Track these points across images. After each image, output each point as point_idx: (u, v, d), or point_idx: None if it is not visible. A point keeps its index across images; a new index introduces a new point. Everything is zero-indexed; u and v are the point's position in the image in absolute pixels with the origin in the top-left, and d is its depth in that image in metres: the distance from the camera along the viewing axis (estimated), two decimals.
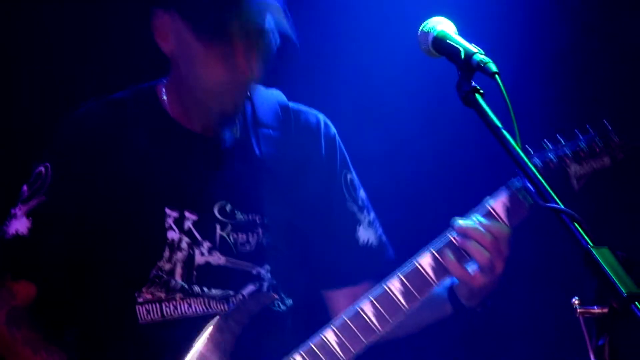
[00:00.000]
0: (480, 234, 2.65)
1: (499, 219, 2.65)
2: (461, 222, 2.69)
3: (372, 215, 2.98)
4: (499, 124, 2.27)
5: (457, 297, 2.78)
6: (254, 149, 2.87)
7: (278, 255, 2.87)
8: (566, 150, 2.75)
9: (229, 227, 2.81)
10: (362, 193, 3.01)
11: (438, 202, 4.20)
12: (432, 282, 2.68)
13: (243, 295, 2.77)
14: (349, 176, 3.01)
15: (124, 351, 2.75)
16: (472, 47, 2.34)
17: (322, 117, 3.01)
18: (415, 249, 2.79)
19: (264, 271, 2.81)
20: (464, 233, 2.65)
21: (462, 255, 2.68)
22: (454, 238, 2.67)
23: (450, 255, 2.67)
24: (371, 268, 2.97)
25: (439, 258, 2.67)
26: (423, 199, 4.33)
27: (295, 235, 2.91)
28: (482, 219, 2.69)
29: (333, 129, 3.01)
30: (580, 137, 2.79)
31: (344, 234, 2.95)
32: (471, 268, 2.68)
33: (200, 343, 2.69)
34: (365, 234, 2.97)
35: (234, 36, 2.67)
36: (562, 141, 2.80)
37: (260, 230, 2.83)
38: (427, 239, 2.79)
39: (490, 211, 2.68)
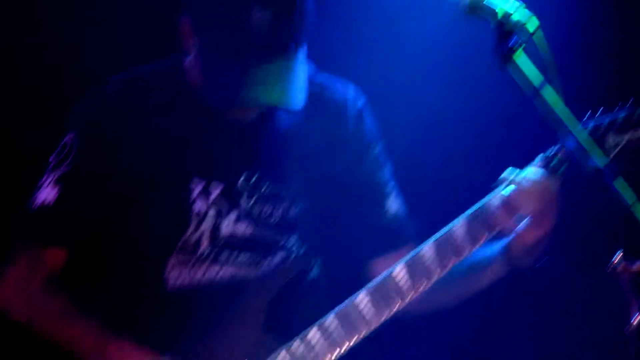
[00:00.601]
0: (530, 186, 2.63)
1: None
2: (511, 175, 2.67)
3: (397, 188, 2.98)
4: (543, 81, 2.23)
5: (509, 257, 2.76)
6: (280, 122, 2.86)
7: (307, 225, 2.85)
8: (605, 119, 2.74)
9: (255, 198, 2.81)
10: (388, 166, 3.00)
11: (469, 170, 4.18)
12: (466, 248, 2.65)
13: (273, 262, 2.75)
14: (377, 148, 3.00)
15: (153, 318, 2.76)
16: (512, 4, 2.31)
17: (350, 87, 2.99)
18: (453, 214, 2.77)
19: (292, 240, 2.80)
20: (514, 185, 2.63)
21: (511, 210, 2.65)
22: (504, 192, 2.66)
23: (500, 210, 2.65)
24: (402, 237, 2.95)
25: (484, 217, 2.65)
26: (454, 167, 4.31)
27: (325, 206, 2.90)
28: (532, 171, 2.67)
29: (362, 100, 2.99)
30: (621, 108, 2.78)
31: (374, 205, 2.96)
32: (522, 223, 2.66)
33: (231, 311, 2.67)
34: (394, 205, 2.96)
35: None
36: (602, 112, 2.79)
37: (286, 202, 2.83)
38: (463, 206, 2.77)
39: (538, 165, 2.68)
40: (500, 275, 2.83)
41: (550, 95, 2.35)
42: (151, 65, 2.93)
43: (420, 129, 4.25)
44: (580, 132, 2.29)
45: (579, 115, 2.66)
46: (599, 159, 2.23)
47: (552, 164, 2.76)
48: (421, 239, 2.84)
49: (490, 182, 2.81)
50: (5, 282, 2.81)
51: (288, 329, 2.66)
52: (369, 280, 2.88)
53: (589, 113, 2.77)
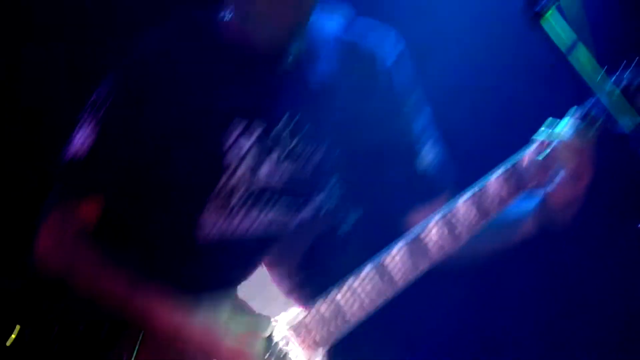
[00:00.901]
0: (567, 141, 2.65)
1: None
2: (547, 130, 2.68)
3: (435, 135, 2.99)
4: (576, 39, 2.24)
5: (542, 213, 2.77)
6: (316, 73, 2.88)
7: (340, 174, 2.88)
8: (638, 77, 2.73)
9: (294, 142, 2.83)
10: (424, 115, 3.00)
11: (505, 123, 4.19)
12: (505, 200, 2.67)
13: (307, 213, 2.78)
14: (414, 96, 3.00)
15: (184, 271, 2.79)
16: None
17: (390, 34, 2.99)
18: (488, 167, 2.79)
19: (327, 188, 2.82)
20: (550, 140, 2.64)
21: (548, 166, 2.67)
22: (538, 148, 2.67)
23: (535, 166, 2.66)
24: (437, 188, 2.97)
25: (519, 172, 2.67)
26: (490, 120, 4.31)
27: (359, 157, 2.92)
28: (568, 126, 2.68)
29: (400, 47, 2.99)
30: None
31: (409, 155, 2.95)
32: (557, 179, 2.67)
33: (265, 258, 2.71)
34: (430, 154, 2.97)
35: None
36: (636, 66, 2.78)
37: (324, 148, 2.85)
38: (499, 159, 2.78)
39: (574, 121, 2.68)
40: (532, 231, 2.83)
41: (583, 53, 2.35)
42: (191, 12, 2.94)
43: (456, 79, 4.23)
44: (612, 90, 2.28)
45: (611, 73, 2.66)
46: (630, 118, 2.23)
47: (587, 120, 2.76)
48: (457, 190, 2.84)
49: (525, 137, 2.81)
50: (42, 233, 2.83)
51: (322, 281, 2.69)
52: (403, 231, 2.89)
53: (623, 63, 2.75)
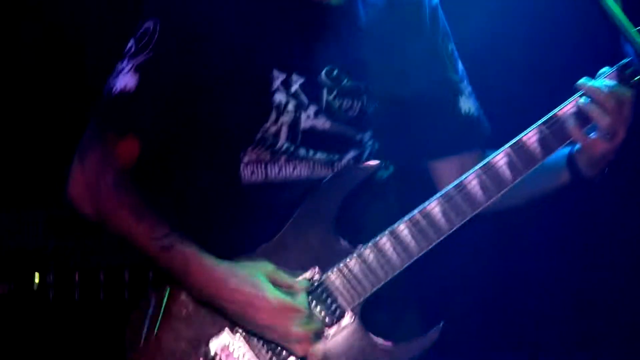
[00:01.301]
0: (604, 97, 2.60)
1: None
2: (585, 85, 2.63)
3: (470, 87, 2.95)
4: None
5: (576, 165, 2.74)
6: (360, 16, 2.83)
7: (381, 123, 2.85)
8: None
9: (335, 92, 2.80)
10: (460, 65, 2.96)
11: (541, 79, 4.14)
12: (538, 157, 2.63)
13: (347, 162, 2.76)
14: (450, 46, 2.97)
15: (226, 213, 2.77)
16: None
17: None
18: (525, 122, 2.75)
19: (367, 137, 2.80)
20: (588, 95, 2.60)
21: (585, 121, 2.63)
22: (575, 102, 2.62)
23: (573, 121, 2.62)
24: (474, 138, 2.96)
25: (557, 126, 2.63)
26: (527, 76, 4.27)
27: (399, 103, 2.89)
28: (606, 82, 2.64)
29: None
30: None
31: (446, 103, 2.93)
32: (593, 134, 2.63)
33: (302, 208, 2.69)
34: (467, 104, 2.95)
35: None
36: None
37: (364, 97, 2.82)
38: (536, 114, 2.74)
39: (612, 75, 2.63)
40: (565, 183, 2.81)
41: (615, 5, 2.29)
42: None
43: (488, 35, 4.19)
44: None
45: None
46: None
47: (625, 75, 2.71)
48: (493, 143, 2.81)
49: (562, 91, 2.77)
50: (79, 172, 2.80)
51: (359, 233, 2.66)
52: (439, 182, 2.87)
53: None
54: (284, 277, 2.51)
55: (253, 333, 2.53)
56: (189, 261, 2.53)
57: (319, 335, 2.50)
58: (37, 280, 4.20)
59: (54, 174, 2.80)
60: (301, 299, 2.48)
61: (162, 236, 2.55)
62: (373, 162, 2.71)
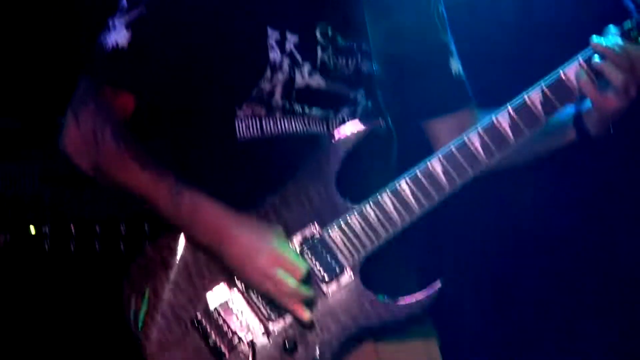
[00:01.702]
0: (616, 54, 2.58)
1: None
2: (600, 42, 2.60)
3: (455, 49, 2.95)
4: None
5: (583, 124, 2.72)
6: None
7: (374, 82, 2.83)
8: None
9: (330, 50, 2.79)
10: (448, 27, 2.96)
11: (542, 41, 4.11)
12: (541, 118, 2.62)
13: (343, 118, 2.74)
14: (440, 8, 2.96)
15: (222, 168, 2.76)
16: None
17: None
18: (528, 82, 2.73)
19: (360, 96, 2.78)
20: (600, 53, 2.57)
21: (594, 78, 2.61)
22: (586, 59, 2.60)
23: (582, 78, 2.60)
24: (465, 97, 2.94)
25: (565, 84, 2.61)
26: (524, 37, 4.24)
27: (392, 63, 2.87)
28: (618, 40, 2.61)
29: None
30: None
31: (438, 63, 2.92)
32: (603, 91, 2.61)
33: (303, 167, 2.67)
34: (455, 65, 2.94)
35: None
36: None
37: (358, 56, 2.80)
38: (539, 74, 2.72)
39: (625, 33, 2.61)
40: (570, 142, 2.80)
41: None
42: None
43: None
44: None
45: None
46: None
47: (631, 36, 2.69)
48: (488, 104, 2.80)
49: (563, 51, 2.75)
50: (74, 127, 2.78)
51: (360, 189, 2.65)
52: (434, 142, 2.86)
53: None
54: (287, 240, 2.51)
55: (249, 287, 2.53)
56: (198, 206, 2.53)
57: (309, 302, 2.49)
58: (33, 232, 4.19)
59: (50, 125, 2.80)
60: (306, 264, 2.48)
61: (169, 183, 2.55)
62: (374, 119, 2.70)
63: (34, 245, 4.17)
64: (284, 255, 2.45)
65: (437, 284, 2.57)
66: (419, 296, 2.54)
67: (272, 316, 2.50)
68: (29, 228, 4.19)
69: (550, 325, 4.34)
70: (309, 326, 2.50)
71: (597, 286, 4.34)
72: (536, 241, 4.38)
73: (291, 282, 2.46)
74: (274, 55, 2.66)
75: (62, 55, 4.24)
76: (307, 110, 2.69)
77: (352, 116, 2.73)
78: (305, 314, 2.47)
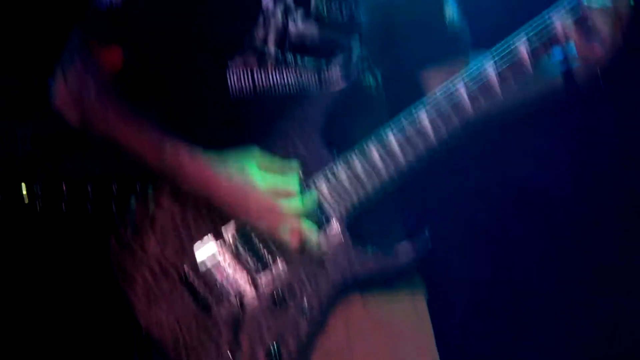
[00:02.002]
0: (603, 2, 2.57)
1: None
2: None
3: None
4: None
5: (569, 72, 2.72)
6: None
7: (369, 29, 2.81)
8: None
9: (323, 3, 2.75)
10: None
11: None
12: (528, 68, 2.61)
13: (335, 68, 2.73)
14: None
15: (212, 121, 2.75)
16: None
17: None
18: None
19: (354, 43, 2.76)
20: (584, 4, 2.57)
21: (581, 25, 2.60)
22: (573, 6, 2.60)
23: (570, 23, 2.59)
24: (460, 46, 2.91)
25: (546, 34, 2.60)
26: None
27: (383, 10, 2.84)
28: None
29: None
30: None
31: (431, 10, 2.88)
32: (590, 39, 2.61)
33: (290, 116, 2.66)
34: (451, 12, 2.91)
35: None
36: None
37: (352, 3, 2.77)
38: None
39: None
40: (557, 90, 2.79)
41: None
42: None
43: None
44: None
45: None
46: None
47: None
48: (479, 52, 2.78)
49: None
50: (61, 83, 2.78)
51: (347, 140, 2.64)
52: (426, 91, 2.84)
53: None
54: (269, 160, 2.50)
55: (243, 232, 2.53)
56: (181, 157, 2.53)
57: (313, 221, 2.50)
58: (24, 191, 4.19)
59: (43, 84, 2.79)
60: (292, 180, 2.48)
61: (152, 136, 2.55)
62: (361, 68, 2.69)
63: (25, 204, 4.17)
64: (273, 186, 2.46)
65: (425, 236, 2.57)
66: (405, 248, 2.55)
67: (260, 269, 2.51)
68: (20, 187, 4.19)
69: (543, 279, 4.35)
70: (296, 278, 2.51)
71: (592, 241, 4.35)
72: (529, 193, 4.37)
73: (294, 203, 2.47)
74: (267, 1, 2.65)
75: (59, 13, 4.22)
76: (299, 60, 2.67)
77: (346, 65, 2.72)
78: (313, 236, 2.49)
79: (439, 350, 2.74)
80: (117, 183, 4.12)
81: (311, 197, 2.50)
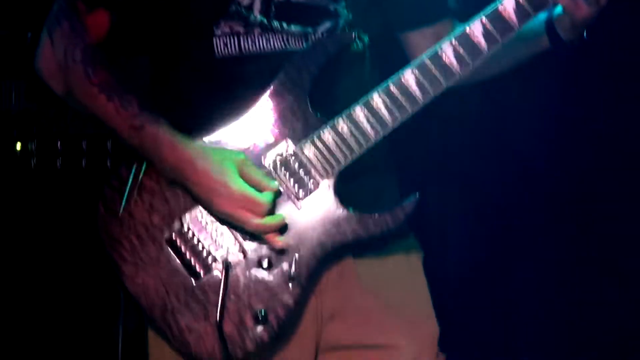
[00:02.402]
0: None
1: None
2: None
3: None
4: None
5: (555, 31, 2.68)
6: None
7: None
8: None
9: None
10: None
11: None
12: (515, 26, 2.57)
13: (321, 34, 2.69)
14: None
15: (199, 89, 2.72)
16: None
17: None
18: None
19: (341, 7, 2.72)
20: None
21: None
22: None
23: None
24: (445, 7, 2.87)
25: None
26: None
27: None
28: None
29: None
30: None
31: None
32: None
33: (276, 81, 2.63)
34: None
35: None
36: None
37: None
38: None
39: None
40: (543, 49, 2.76)
41: None
42: None
43: None
44: None
45: None
46: None
47: None
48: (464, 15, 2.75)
49: None
50: (47, 47, 2.74)
51: (333, 105, 2.61)
52: (413, 55, 2.81)
53: None
54: (253, 171, 2.47)
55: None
56: (159, 140, 2.50)
57: (282, 229, 2.48)
58: (18, 148, 4.18)
59: (35, 38, 2.77)
60: (266, 196, 2.45)
61: (132, 115, 2.52)
62: (347, 33, 2.65)
63: (20, 161, 4.16)
64: (243, 194, 2.43)
65: (415, 198, 2.55)
66: (394, 211, 2.53)
67: (247, 235, 2.49)
68: (15, 144, 4.18)
69: (538, 240, 4.35)
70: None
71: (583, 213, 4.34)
72: (522, 155, 4.35)
73: (255, 221, 2.45)
74: None
75: None
76: (285, 26, 2.64)
77: (333, 30, 2.69)
78: (277, 243, 2.46)
79: (435, 310, 2.75)
80: (112, 140, 4.11)
81: (275, 220, 2.47)
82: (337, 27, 2.68)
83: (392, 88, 2.54)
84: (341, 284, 2.61)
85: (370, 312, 2.62)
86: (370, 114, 2.54)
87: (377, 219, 2.54)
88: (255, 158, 2.52)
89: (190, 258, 2.50)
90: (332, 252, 2.51)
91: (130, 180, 2.58)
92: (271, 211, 2.45)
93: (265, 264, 2.49)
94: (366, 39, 2.72)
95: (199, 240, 2.51)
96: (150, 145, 2.50)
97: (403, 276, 2.70)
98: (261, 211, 2.44)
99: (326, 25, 2.67)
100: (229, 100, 2.62)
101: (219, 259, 2.49)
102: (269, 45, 2.64)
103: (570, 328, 4.29)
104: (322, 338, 2.62)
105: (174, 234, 2.51)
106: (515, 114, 4.30)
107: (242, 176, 2.46)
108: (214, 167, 2.47)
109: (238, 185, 2.44)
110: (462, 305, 4.20)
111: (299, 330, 2.57)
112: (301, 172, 2.52)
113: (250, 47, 2.64)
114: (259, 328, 2.50)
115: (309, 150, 2.52)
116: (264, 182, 2.47)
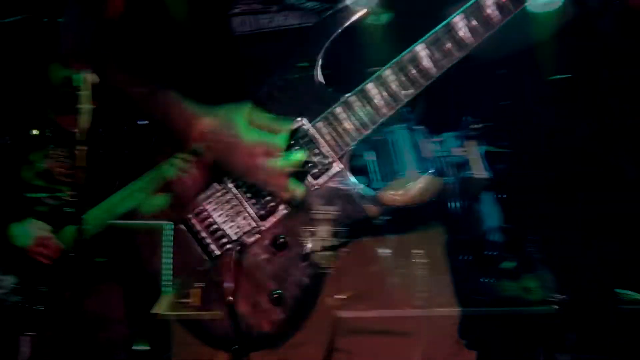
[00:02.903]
0: None
1: None
2: None
3: None
4: None
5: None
6: None
7: None
8: None
9: None
10: None
11: None
12: None
13: (338, 9, 2.68)
14: None
15: (216, 65, 2.71)
16: None
17: None
18: None
19: None
20: None
21: None
22: None
23: None
24: None
25: None
26: None
27: None
28: None
29: None
30: None
31: None
32: None
33: (289, 57, 2.63)
34: None
35: None
36: None
37: None
38: None
39: None
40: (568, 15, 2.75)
41: None
42: None
43: None
44: None
45: None
46: None
47: None
48: None
49: None
50: (65, 27, 2.77)
51: (345, 80, 2.60)
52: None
53: None
54: (262, 117, 2.47)
55: (237, 180, 2.51)
56: (169, 108, 2.52)
57: (300, 176, 2.47)
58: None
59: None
60: (279, 138, 2.45)
61: (142, 83, 2.54)
62: (361, 9, 2.63)
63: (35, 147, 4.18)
64: (257, 143, 2.43)
65: (432, 174, 2.53)
66: (408, 188, 2.51)
67: (262, 214, 2.48)
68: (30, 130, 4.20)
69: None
70: (298, 223, 2.48)
71: None
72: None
73: (272, 166, 2.44)
74: None
75: None
76: (303, 1, 2.64)
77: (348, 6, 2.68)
78: (298, 191, 2.46)
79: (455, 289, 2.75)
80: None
81: (300, 155, 2.46)
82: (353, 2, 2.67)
83: (405, 62, 2.52)
84: (360, 265, 2.59)
85: (390, 296, 2.61)
86: (383, 89, 2.51)
87: (389, 194, 2.51)
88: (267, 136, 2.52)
89: (205, 237, 2.50)
90: (348, 231, 2.50)
91: None
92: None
93: (279, 241, 2.48)
94: (381, 15, 2.70)
95: (214, 220, 2.50)
96: (161, 112, 2.52)
97: (423, 259, 2.68)
98: (277, 154, 2.44)
99: (346, 1, 2.65)
100: (244, 76, 2.62)
101: (234, 238, 2.49)
102: (286, 21, 2.63)
103: None
104: (340, 320, 2.62)
105: (190, 215, 2.51)
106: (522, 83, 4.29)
107: (253, 125, 2.46)
108: (223, 125, 2.48)
109: (248, 135, 2.44)
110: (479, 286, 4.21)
111: (316, 311, 2.57)
112: (315, 149, 2.50)
113: (268, 24, 2.64)
114: (275, 309, 2.50)
115: (323, 127, 2.50)
116: (276, 126, 2.47)
